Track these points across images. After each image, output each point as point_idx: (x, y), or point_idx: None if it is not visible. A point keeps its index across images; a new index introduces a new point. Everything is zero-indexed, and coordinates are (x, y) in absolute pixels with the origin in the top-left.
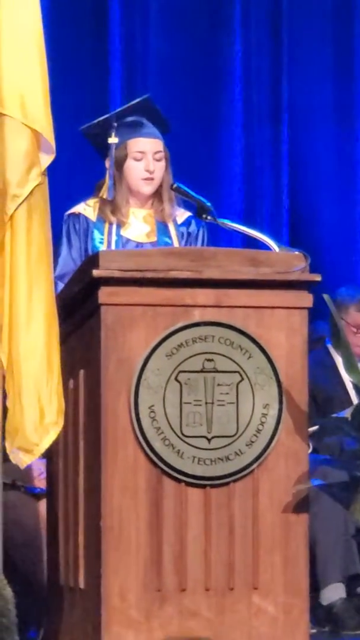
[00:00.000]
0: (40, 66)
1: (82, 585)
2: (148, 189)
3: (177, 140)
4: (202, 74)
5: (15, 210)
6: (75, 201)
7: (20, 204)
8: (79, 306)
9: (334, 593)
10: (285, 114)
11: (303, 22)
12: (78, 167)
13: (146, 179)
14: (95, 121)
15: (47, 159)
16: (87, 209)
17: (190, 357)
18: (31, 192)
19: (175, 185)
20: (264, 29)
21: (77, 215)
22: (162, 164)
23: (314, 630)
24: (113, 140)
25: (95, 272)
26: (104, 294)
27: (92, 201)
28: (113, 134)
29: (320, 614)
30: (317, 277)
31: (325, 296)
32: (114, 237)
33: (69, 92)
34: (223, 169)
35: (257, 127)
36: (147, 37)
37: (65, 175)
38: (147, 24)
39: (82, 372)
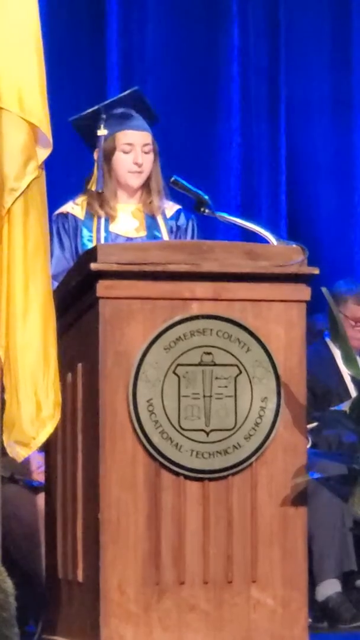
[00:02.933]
0: (38, 60)
1: (80, 578)
2: (136, 181)
3: (174, 133)
4: (199, 67)
5: (13, 203)
6: (73, 194)
7: (17, 198)
8: (77, 300)
9: (330, 588)
10: (282, 107)
11: (301, 15)
12: (75, 160)
13: (134, 171)
14: (84, 113)
15: (44, 153)
16: (75, 207)
17: (189, 350)
18: (28, 186)
19: (173, 179)
20: (262, 22)
21: (66, 215)
22: (151, 156)
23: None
24: (102, 132)
25: (94, 266)
26: (102, 287)
27: (80, 199)
28: (102, 126)
29: (316, 610)
30: (315, 270)
31: (324, 289)
32: (102, 234)
33: (66, 86)
34: (221, 163)
35: (254, 120)
36: (145, 30)
37: (63, 168)
38: (144, 18)
39: (80, 365)
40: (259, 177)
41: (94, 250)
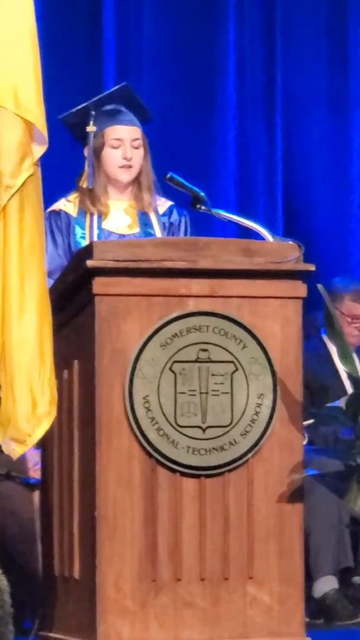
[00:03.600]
0: (33, 57)
1: (77, 575)
2: (126, 176)
3: (170, 130)
4: (195, 63)
5: (8, 201)
6: (68, 191)
7: (13, 195)
8: (73, 297)
9: (326, 585)
10: (279, 104)
11: (297, 11)
12: (71, 158)
13: (124, 166)
14: (74, 110)
15: (39, 150)
16: (68, 204)
17: (185, 347)
18: (24, 183)
19: (169, 175)
20: (258, 18)
21: (58, 212)
22: (140, 151)
23: (307, 619)
24: (91, 128)
25: (90, 263)
26: (98, 285)
27: (72, 196)
28: (91, 123)
29: (312, 607)
30: (311, 267)
31: (319, 286)
32: (95, 231)
33: (62, 83)
34: (217, 159)
35: (251, 117)
36: (141, 26)
37: (58, 165)
38: (140, 14)
39: (76, 362)
40: (255, 173)
41: (89, 248)
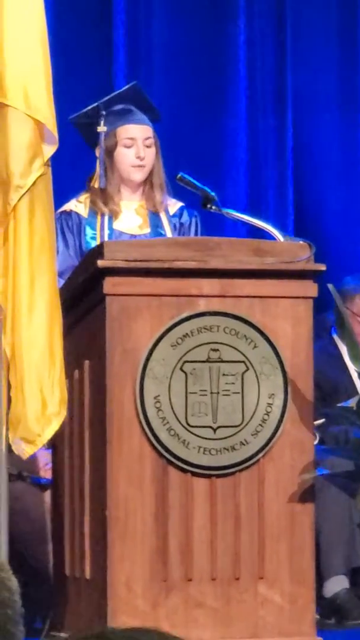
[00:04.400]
0: (43, 56)
1: (88, 575)
2: (139, 175)
3: (181, 129)
4: (206, 62)
5: (18, 201)
6: (79, 191)
7: (23, 195)
8: (83, 297)
9: (337, 585)
10: (289, 103)
11: (307, 10)
12: (81, 158)
13: (137, 165)
14: (84, 110)
15: (49, 150)
16: (79, 205)
17: (196, 347)
18: (34, 183)
19: (180, 175)
20: (268, 17)
21: (69, 213)
22: (153, 150)
23: (317, 619)
24: (102, 128)
25: (100, 263)
26: (109, 285)
27: (83, 197)
28: (102, 123)
29: (323, 606)
30: (322, 267)
31: (330, 286)
32: (106, 231)
33: (72, 83)
34: (227, 159)
35: (261, 116)
36: (151, 26)
37: (69, 165)
38: (151, 13)
39: (87, 362)
40: (266, 173)
41: (100, 247)
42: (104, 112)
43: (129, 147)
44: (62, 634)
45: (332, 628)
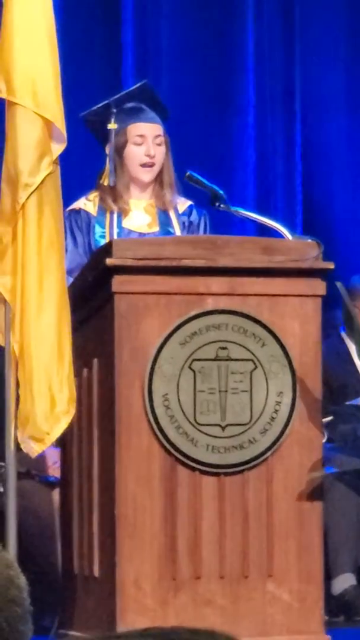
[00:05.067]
0: (52, 55)
1: (96, 573)
2: (148, 176)
3: (189, 128)
4: (214, 61)
5: (27, 199)
6: (88, 189)
7: (31, 193)
8: (92, 295)
9: (345, 582)
10: (298, 102)
11: (316, 9)
12: (90, 156)
13: (147, 163)
14: (94, 108)
15: (58, 148)
16: (88, 203)
17: (204, 345)
18: (42, 181)
19: (188, 174)
20: (277, 16)
21: (78, 211)
22: (163, 148)
23: (326, 617)
24: (112, 126)
25: (109, 261)
26: (118, 283)
27: (92, 195)
28: (112, 120)
29: (331, 604)
30: (331, 265)
31: (338, 284)
32: (115, 229)
33: (81, 81)
34: (236, 157)
35: (270, 115)
36: (160, 25)
37: (77, 163)
38: (159, 12)
39: (95, 361)
40: (275, 172)
41: (109, 246)
42: (114, 110)
43: (139, 144)
44: (71, 632)
45: (341, 626)
